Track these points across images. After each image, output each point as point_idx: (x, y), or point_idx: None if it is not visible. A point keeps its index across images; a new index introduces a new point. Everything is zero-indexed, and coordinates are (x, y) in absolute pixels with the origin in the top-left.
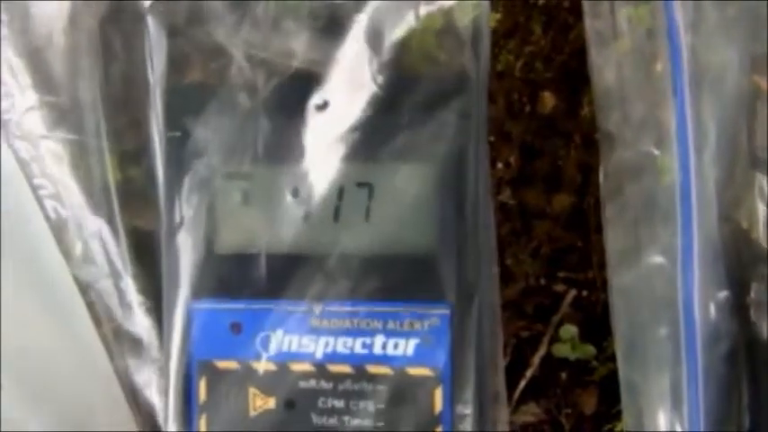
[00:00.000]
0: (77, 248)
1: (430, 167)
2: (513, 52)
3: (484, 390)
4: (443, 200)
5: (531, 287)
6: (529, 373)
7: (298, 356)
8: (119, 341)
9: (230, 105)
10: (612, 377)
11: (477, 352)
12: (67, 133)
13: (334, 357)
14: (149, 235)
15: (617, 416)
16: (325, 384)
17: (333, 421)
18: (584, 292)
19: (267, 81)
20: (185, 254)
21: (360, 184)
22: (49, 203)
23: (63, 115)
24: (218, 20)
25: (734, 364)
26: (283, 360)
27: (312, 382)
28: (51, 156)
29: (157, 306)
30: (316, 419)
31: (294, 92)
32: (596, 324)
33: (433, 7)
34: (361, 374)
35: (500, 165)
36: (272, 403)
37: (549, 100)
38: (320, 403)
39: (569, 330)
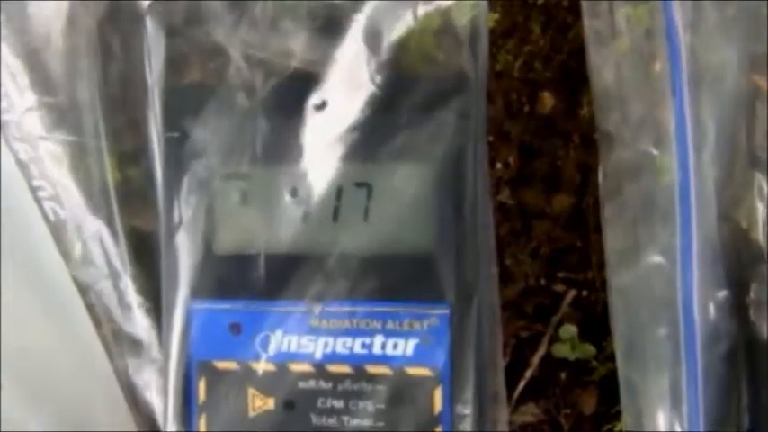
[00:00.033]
0: (77, 250)
1: (428, 167)
2: (511, 52)
3: (483, 390)
4: (442, 200)
5: (530, 287)
6: (528, 373)
7: (297, 357)
8: (118, 342)
9: (229, 105)
10: (612, 377)
11: (476, 352)
12: (66, 134)
13: (333, 357)
14: (148, 236)
15: (616, 416)
16: (324, 385)
17: (332, 421)
18: (584, 292)
19: (265, 81)
20: (184, 254)
21: (358, 184)
22: (48, 205)
23: (62, 116)
24: (216, 20)
25: (733, 364)
26: (283, 360)
27: (311, 383)
28: (50, 157)
29: (157, 306)
30: (315, 420)
31: (292, 92)
32: (596, 324)
33: (430, 7)
34: (360, 375)
35: (499, 165)
36: (271, 404)
37: (547, 100)
38: (319, 403)
39: (569, 330)
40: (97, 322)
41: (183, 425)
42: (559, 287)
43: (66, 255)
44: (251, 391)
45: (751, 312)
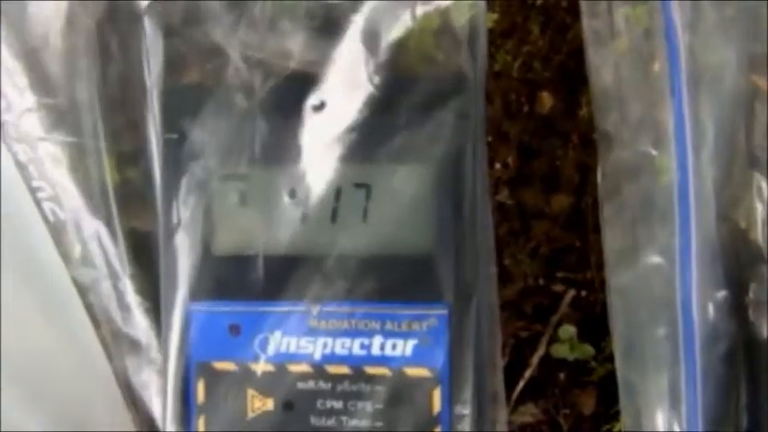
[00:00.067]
0: (76, 250)
1: (427, 168)
2: (510, 52)
3: (482, 390)
4: (441, 200)
5: (529, 287)
6: (527, 374)
7: (296, 358)
8: (117, 342)
9: (227, 106)
10: (611, 377)
11: (475, 352)
12: (65, 135)
13: (332, 358)
14: (148, 236)
15: (615, 416)
16: (323, 385)
17: (331, 422)
18: (583, 293)
19: (264, 82)
20: (183, 255)
21: (357, 185)
22: (47, 206)
23: (61, 117)
24: (214, 20)
25: (732, 364)
26: (281, 361)
27: (310, 384)
28: (49, 158)
29: (156, 307)
30: (314, 420)
31: (291, 93)
32: (595, 324)
33: (429, 7)
34: (359, 375)
35: (498, 165)
36: (270, 404)
37: (546, 100)
38: (319, 404)
39: (568, 330)
40: (96, 323)
41: (181, 425)
42: (558, 287)
43: (65, 255)
44: (250, 391)
45: (750, 312)
